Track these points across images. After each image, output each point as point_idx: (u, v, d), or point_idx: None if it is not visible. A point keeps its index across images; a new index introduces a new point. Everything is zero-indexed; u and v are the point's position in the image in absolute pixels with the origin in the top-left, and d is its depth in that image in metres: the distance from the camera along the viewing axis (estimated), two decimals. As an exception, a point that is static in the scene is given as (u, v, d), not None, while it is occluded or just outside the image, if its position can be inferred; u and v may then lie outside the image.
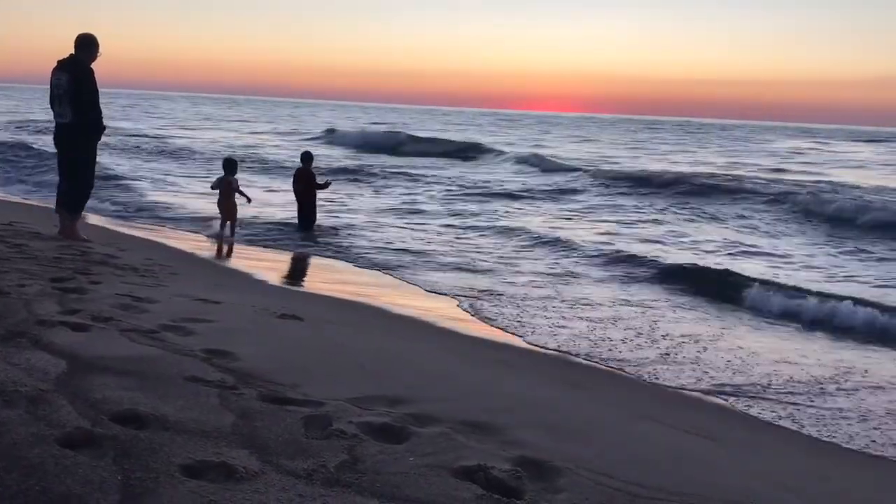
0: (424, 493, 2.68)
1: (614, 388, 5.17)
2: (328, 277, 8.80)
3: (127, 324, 4.55)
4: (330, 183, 13.24)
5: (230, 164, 11.84)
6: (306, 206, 12.36)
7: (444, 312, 7.23)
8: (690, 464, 3.54)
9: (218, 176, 11.89)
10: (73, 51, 8.28)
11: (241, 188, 11.49)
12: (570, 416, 4.07)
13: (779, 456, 4.08)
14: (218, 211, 11.53)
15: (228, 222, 11.41)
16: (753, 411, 4.99)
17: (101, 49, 8.39)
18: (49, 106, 8.44)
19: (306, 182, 12.42)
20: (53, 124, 8.53)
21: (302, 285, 8.40)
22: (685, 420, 4.37)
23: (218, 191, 11.53)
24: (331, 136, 41.80)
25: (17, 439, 2.63)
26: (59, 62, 8.27)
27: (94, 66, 8.35)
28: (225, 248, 10.45)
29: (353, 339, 5.34)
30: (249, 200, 11.71)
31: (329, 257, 10.27)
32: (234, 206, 11.49)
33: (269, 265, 9.25)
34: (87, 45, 8.31)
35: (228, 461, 2.70)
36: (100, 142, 8.61)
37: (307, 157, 12.83)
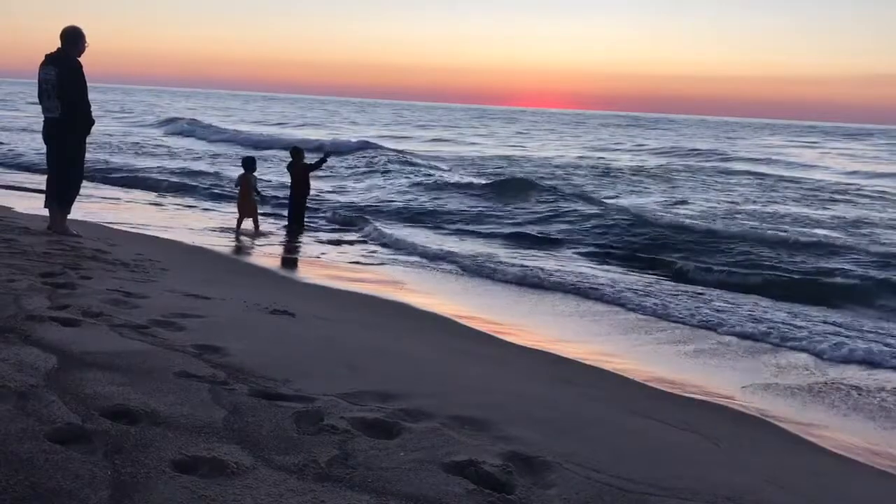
0: (415, 487, 2.68)
1: (605, 383, 5.18)
2: (321, 274, 8.78)
3: (117, 319, 4.54)
4: (326, 157, 13.25)
5: (249, 162, 11.90)
6: (301, 202, 12.34)
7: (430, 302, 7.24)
8: (680, 459, 3.56)
9: (239, 173, 12.01)
10: (59, 44, 8.23)
11: (256, 187, 11.65)
12: (561, 411, 4.08)
13: (770, 452, 4.10)
14: (237, 210, 11.64)
15: (250, 219, 11.50)
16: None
17: (87, 41, 8.34)
18: (38, 100, 8.40)
19: (303, 176, 12.38)
20: (42, 119, 8.49)
21: (293, 280, 8.37)
22: (675, 415, 4.39)
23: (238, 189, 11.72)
24: (167, 126, 39.81)
25: (7, 435, 2.63)
26: (47, 56, 8.21)
27: (81, 59, 8.30)
28: (247, 245, 10.56)
29: (345, 334, 5.34)
30: (261, 197, 11.80)
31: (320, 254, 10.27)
32: (254, 202, 11.60)
33: (259, 262, 9.24)
34: (74, 39, 8.25)
35: (220, 456, 2.70)
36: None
37: (297, 151, 12.73)
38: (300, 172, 12.37)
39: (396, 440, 3.11)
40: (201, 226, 11.79)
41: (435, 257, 10.38)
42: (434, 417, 3.45)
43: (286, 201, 13.09)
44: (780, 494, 3.29)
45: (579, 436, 3.60)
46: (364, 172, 22.80)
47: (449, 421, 3.42)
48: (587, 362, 5.73)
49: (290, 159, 12.68)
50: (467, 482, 2.77)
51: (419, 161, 25.76)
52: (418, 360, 4.91)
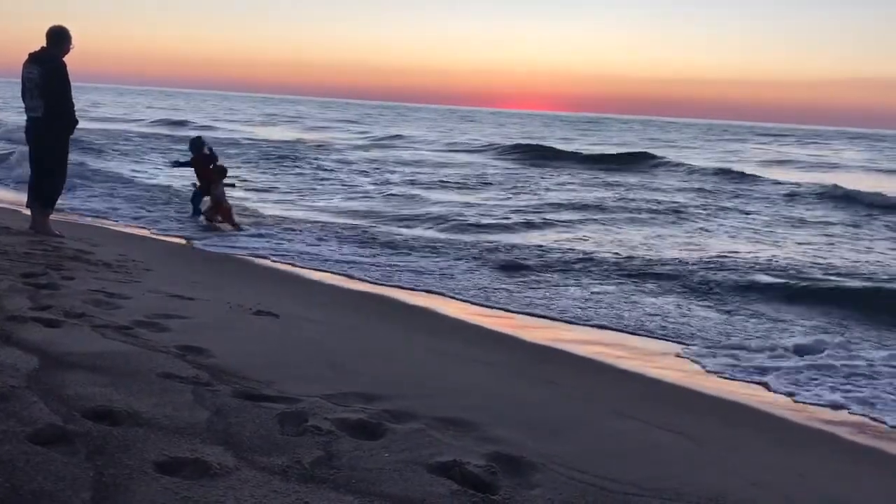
0: (400, 488, 2.68)
1: (589, 384, 5.20)
2: (301, 270, 8.76)
3: (100, 320, 4.51)
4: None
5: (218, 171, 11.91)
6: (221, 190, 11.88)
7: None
8: (664, 460, 3.57)
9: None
10: (44, 43, 8.18)
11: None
12: (545, 412, 4.09)
13: (754, 452, 4.13)
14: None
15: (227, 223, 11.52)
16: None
17: (73, 42, 8.28)
18: (21, 99, 8.33)
19: (216, 165, 11.95)
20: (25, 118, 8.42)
21: (277, 280, 8.34)
22: (659, 416, 4.41)
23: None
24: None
25: (-13, 436, 2.60)
26: (31, 55, 8.15)
27: (66, 59, 8.24)
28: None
29: (329, 335, 5.33)
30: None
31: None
32: (227, 206, 11.68)
33: (245, 261, 9.20)
34: (59, 39, 8.19)
35: (203, 457, 2.69)
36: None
37: (197, 144, 12.16)
38: (212, 162, 11.93)
39: (381, 441, 3.10)
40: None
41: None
42: (418, 418, 3.45)
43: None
44: (765, 496, 3.31)
45: (564, 436, 3.61)
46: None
47: (433, 422, 3.42)
48: (574, 362, 5.75)
49: (192, 153, 12.15)
50: (452, 483, 2.77)
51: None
52: (403, 360, 4.91)
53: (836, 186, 21.22)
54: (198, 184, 12.20)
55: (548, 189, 20.52)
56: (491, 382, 4.68)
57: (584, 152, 33.67)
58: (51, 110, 8.10)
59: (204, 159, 12.04)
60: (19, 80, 8.24)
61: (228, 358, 4.05)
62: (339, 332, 5.58)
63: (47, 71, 8.02)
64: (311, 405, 3.40)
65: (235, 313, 5.43)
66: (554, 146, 36.32)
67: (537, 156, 32.36)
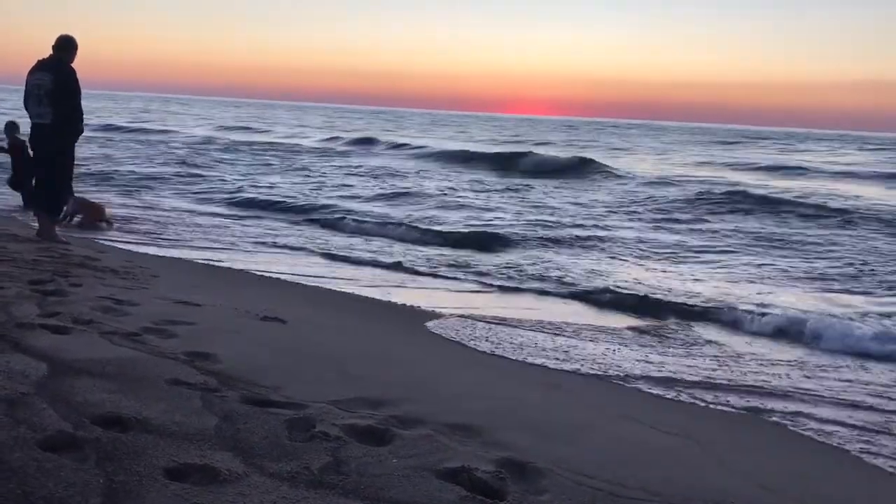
0: (408, 494, 2.69)
1: (595, 389, 5.20)
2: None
3: (108, 326, 4.53)
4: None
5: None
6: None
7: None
8: (671, 464, 3.57)
9: None
10: (51, 51, 8.22)
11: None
12: (553, 417, 4.09)
13: (759, 456, 4.13)
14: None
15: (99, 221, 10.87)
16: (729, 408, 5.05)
17: (77, 51, 8.34)
18: (24, 106, 8.35)
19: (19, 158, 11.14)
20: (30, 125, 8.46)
21: (285, 286, 8.35)
22: (666, 420, 4.41)
23: None
24: None
25: (-2, 443, 2.62)
26: (40, 62, 8.20)
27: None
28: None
29: (336, 340, 5.34)
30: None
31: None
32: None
33: (252, 268, 9.21)
34: (69, 46, 8.25)
35: (212, 464, 2.70)
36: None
37: (10, 129, 11.42)
38: (24, 151, 10.71)
39: (388, 447, 3.11)
40: None
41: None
42: (426, 424, 3.45)
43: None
44: (770, 498, 3.31)
45: (571, 441, 3.62)
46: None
47: (441, 427, 3.43)
48: (576, 365, 5.74)
49: (6, 138, 11.41)
50: (460, 489, 2.77)
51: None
52: (409, 365, 4.92)
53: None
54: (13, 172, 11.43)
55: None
56: (497, 387, 4.68)
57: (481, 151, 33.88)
58: (61, 117, 8.14)
59: (19, 147, 11.08)
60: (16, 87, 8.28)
61: (236, 364, 4.06)
62: (345, 337, 5.59)
63: (60, 78, 8.06)
64: (319, 411, 3.41)
65: (242, 319, 5.45)
66: (469, 148, 36.09)
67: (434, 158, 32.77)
